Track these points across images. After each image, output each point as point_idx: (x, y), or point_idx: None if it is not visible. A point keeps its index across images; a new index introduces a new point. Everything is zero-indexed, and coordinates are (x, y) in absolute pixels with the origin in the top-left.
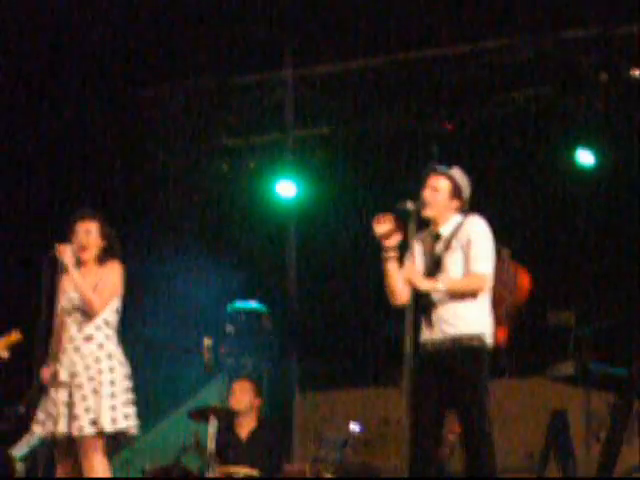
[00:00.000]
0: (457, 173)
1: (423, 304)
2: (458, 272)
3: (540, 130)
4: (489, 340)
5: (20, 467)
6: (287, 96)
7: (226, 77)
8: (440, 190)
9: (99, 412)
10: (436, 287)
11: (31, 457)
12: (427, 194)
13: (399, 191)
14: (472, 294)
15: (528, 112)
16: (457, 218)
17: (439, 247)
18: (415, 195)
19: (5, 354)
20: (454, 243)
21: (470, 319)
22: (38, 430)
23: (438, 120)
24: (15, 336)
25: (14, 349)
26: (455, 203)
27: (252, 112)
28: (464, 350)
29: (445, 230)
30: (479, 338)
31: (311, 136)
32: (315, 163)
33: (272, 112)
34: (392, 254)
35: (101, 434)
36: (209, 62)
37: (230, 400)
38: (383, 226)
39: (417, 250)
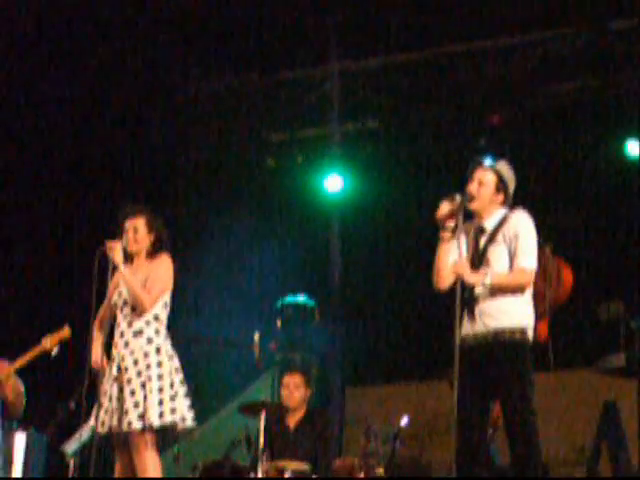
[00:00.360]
0: (503, 167)
1: (466, 297)
2: (501, 266)
3: (588, 121)
4: (531, 334)
5: (72, 463)
6: (333, 90)
7: (273, 72)
8: (486, 184)
9: (146, 407)
10: (484, 281)
11: (82, 453)
12: (473, 188)
13: (446, 184)
14: (517, 289)
15: (576, 104)
16: (501, 211)
17: (483, 240)
18: (462, 188)
19: (55, 350)
20: (499, 237)
21: (513, 313)
22: (93, 425)
23: (486, 113)
24: (65, 333)
25: (64, 345)
26: (500, 197)
27: (299, 107)
28: (506, 343)
29: (489, 224)
30: (521, 331)
31: (358, 130)
32: (362, 157)
33: (319, 106)
34: (449, 235)
35: (150, 429)
36: (256, 57)
37: (282, 393)
38: (448, 205)
39: (462, 240)
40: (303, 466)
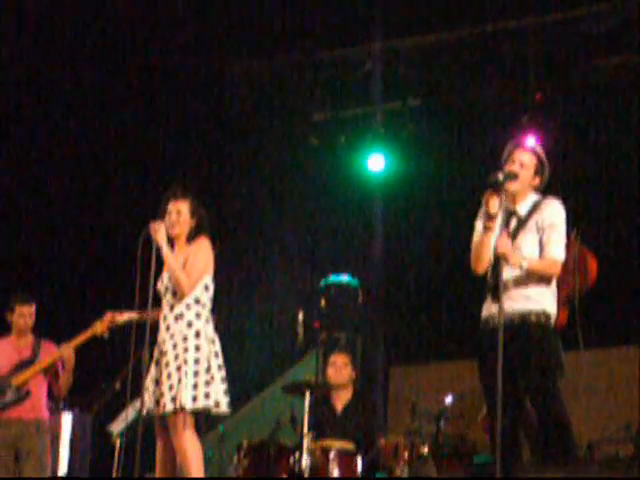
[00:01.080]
0: (541, 151)
1: (494, 280)
2: (530, 252)
3: (632, 98)
4: (553, 321)
5: (117, 443)
6: (376, 69)
7: (315, 51)
8: (526, 166)
9: (180, 390)
10: (522, 264)
11: (128, 433)
12: (514, 169)
13: (488, 162)
14: (545, 278)
15: (620, 79)
16: (534, 197)
17: (514, 224)
18: (499, 168)
19: (105, 333)
20: (531, 223)
21: (539, 299)
22: (138, 406)
23: (528, 90)
24: (115, 316)
25: (114, 328)
26: (537, 180)
27: (341, 86)
28: (532, 325)
29: (522, 208)
30: (546, 316)
31: (400, 109)
32: (404, 135)
33: (361, 85)
34: (494, 225)
35: (182, 411)
36: (298, 37)
37: (327, 373)
38: (497, 198)
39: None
40: (348, 445)
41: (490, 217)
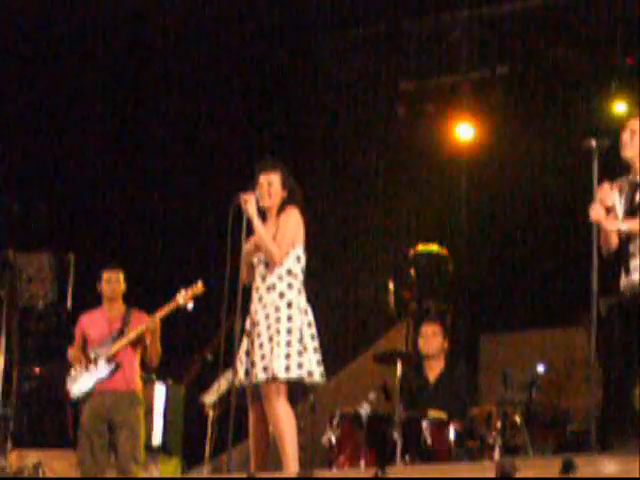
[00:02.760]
0: None
1: (623, 254)
2: None
3: None
4: None
5: (210, 414)
6: (463, 37)
7: (401, 20)
8: (637, 132)
9: (272, 359)
10: (620, 227)
11: (221, 404)
12: (626, 137)
13: (578, 130)
14: None
15: None
16: None
17: (638, 196)
18: (598, 132)
19: (190, 305)
20: None
21: None
22: (230, 377)
23: (619, 55)
24: (198, 288)
25: (200, 297)
26: None
27: (428, 55)
28: None
29: None
30: None
31: (488, 77)
32: (492, 104)
33: (449, 54)
34: (614, 214)
35: (275, 380)
36: (384, 6)
37: (419, 343)
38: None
39: (615, 197)
40: (440, 414)
41: (607, 210)
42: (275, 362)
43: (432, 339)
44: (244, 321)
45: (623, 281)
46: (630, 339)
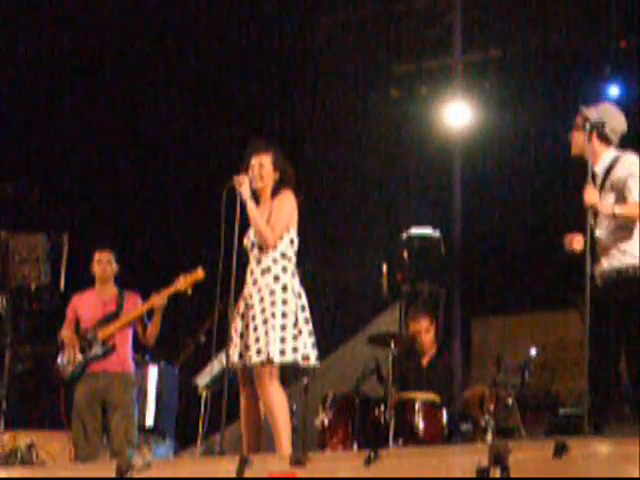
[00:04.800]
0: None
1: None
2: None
3: None
4: None
5: (204, 395)
6: (457, 20)
7: (396, 3)
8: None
9: (268, 342)
10: (614, 210)
11: (214, 385)
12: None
13: (572, 113)
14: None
15: None
16: (610, 154)
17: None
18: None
19: (189, 291)
20: (607, 184)
21: (629, 252)
22: (223, 359)
23: (612, 39)
24: (198, 274)
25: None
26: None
27: (422, 37)
28: (628, 280)
29: (599, 168)
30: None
31: (481, 60)
32: (485, 87)
33: (442, 37)
34: None
35: (270, 363)
36: None
37: (409, 325)
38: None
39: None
40: (433, 397)
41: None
42: (270, 345)
43: (425, 335)
44: (237, 303)
45: (595, 267)
46: (609, 322)
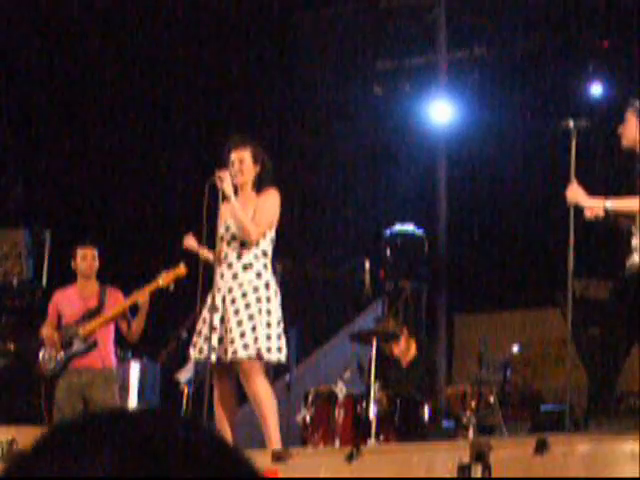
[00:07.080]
0: None
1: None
2: None
3: None
4: None
5: (185, 390)
6: (440, 17)
7: (379, 0)
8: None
9: (256, 338)
10: (605, 206)
11: (196, 381)
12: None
13: (554, 111)
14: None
15: None
16: None
17: None
18: (575, 113)
19: (171, 287)
20: None
21: None
22: (195, 354)
23: (594, 38)
24: (180, 270)
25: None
26: None
27: (406, 34)
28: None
29: None
30: None
31: (465, 57)
32: (468, 84)
33: (426, 34)
34: None
35: (260, 359)
36: None
37: (388, 349)
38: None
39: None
40: (414, 393)
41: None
42: (259, 342)
43: (406, 353)
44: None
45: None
46: (623, 318)
